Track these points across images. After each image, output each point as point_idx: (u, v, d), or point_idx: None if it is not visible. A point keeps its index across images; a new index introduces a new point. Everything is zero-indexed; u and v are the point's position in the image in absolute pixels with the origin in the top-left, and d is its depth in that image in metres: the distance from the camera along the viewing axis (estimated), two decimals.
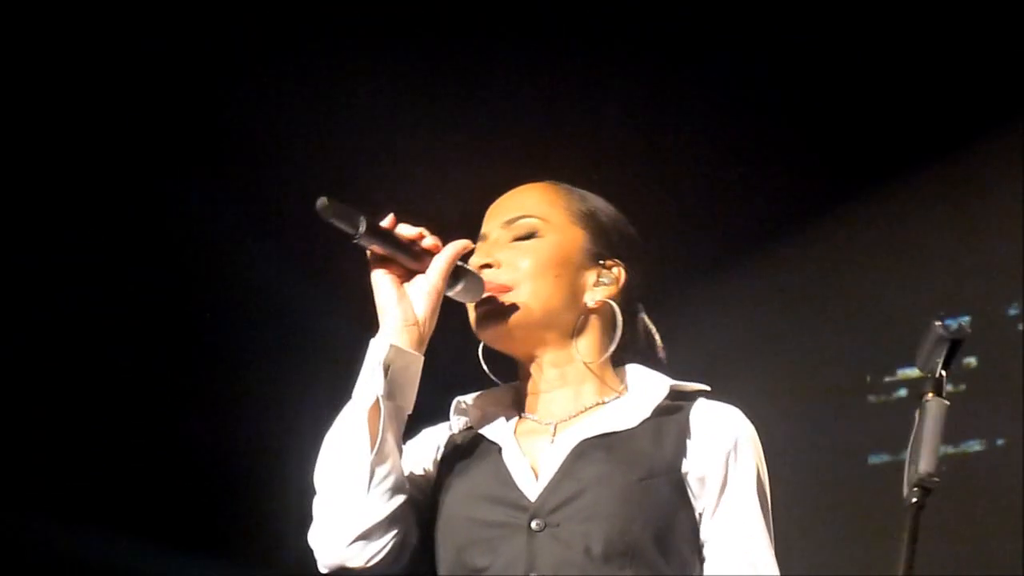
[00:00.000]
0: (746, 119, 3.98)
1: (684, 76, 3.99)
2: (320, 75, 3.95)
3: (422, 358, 2.31)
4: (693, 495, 2.28)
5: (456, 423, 2.45)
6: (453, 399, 2.46)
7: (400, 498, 2.29)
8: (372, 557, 2.27)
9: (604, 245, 2.43)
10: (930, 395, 1.99)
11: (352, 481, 2.25)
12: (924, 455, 1.98)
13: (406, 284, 2.32)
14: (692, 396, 2.36)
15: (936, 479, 1.96)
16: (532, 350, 2.40)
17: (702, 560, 2.29)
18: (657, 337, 2.49)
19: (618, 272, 2.43)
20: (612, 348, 2.40)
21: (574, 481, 2.26)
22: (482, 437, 2.39)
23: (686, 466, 2.28)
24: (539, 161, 2.70)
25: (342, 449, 2.27)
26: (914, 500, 1.93)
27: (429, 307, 2.31)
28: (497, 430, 2.38)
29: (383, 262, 2.31)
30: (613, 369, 2.43)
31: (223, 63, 3.91)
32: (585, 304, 2.41)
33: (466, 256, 2.38)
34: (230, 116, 3.98)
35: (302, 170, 3.95)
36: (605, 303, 2.41)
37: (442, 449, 2.44)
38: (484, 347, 2.45)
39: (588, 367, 2.38)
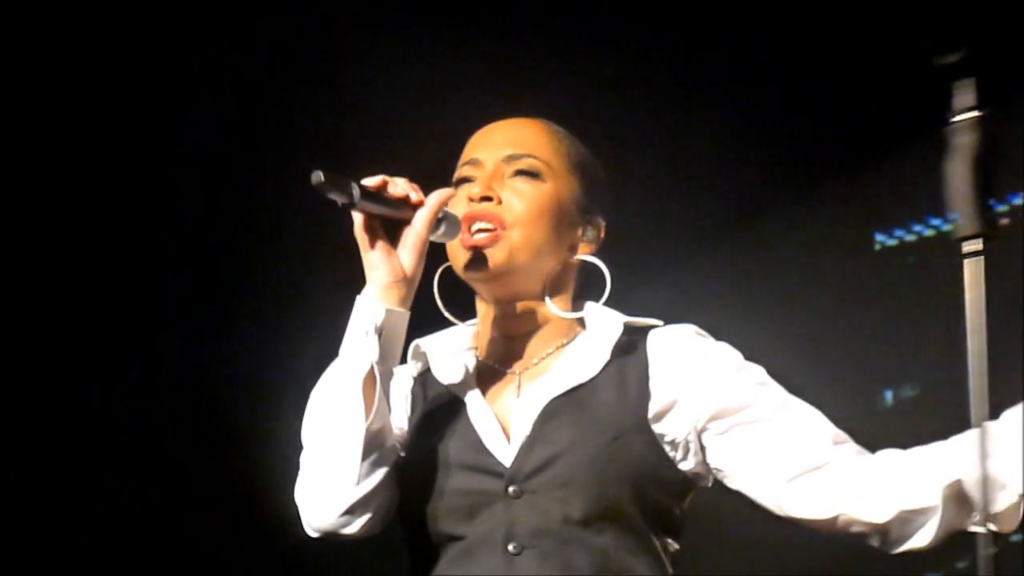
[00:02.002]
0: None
1: (690, 25, 3.87)
2: (301, 20, 3.89)
3: (408, 313, 2.27)
4: (672, 435, 2.25)
5: (414, 368, 2.39)
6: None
7: (389, 465, 2.25)
8: (365, 524, 2.24)
9: (591, 199, 2.41)
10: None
11: (346, 450, 2.21)
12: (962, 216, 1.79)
13: (392, 238, 2.27)
14: (646, 331, 2.33)
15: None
16: (509, 293, 2.35)
17: (681, 503, 2.28)
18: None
19: (600, 228, 2.41)
20: (600, 304, 2.37)
21: (547, 445, 2.23)
22: (447, 392, 2.34)
23: (652, 409, 2.25)
24: (529, 100, 2.56)
25: (335, 415, 2.22)
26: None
27: (416, 259, 2.27)
28: (460, 382, 2.34)
29: (368, 221, 2.27)
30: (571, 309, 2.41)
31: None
32: (567, 256, 2.37)
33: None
34: (211, 65, 3.95)
35: (287, 120, 3.95)
36: (584, 259, 2.39)
37: (410, 401, 2.38)
38: (439, 283, 2.38)
39: (555, 314, 2.35)
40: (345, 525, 2.23)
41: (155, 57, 3.96)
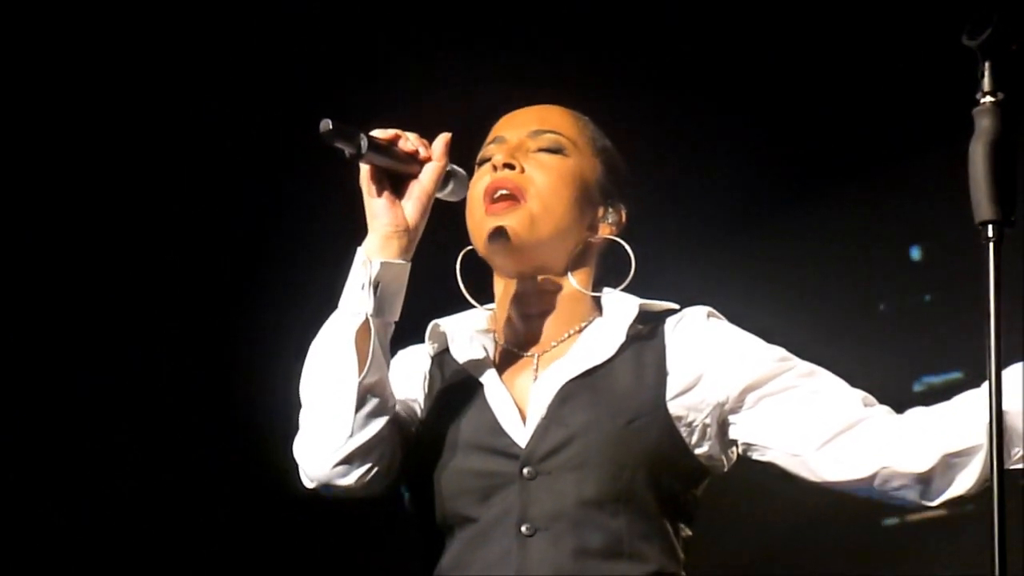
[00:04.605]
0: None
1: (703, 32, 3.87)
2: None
3: (409, 264, 2.26)
4: (691, 415, 2.25)
5: (432, 348, 2.40)
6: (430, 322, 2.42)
7: (387, 416, 2.24)
8: (361, 477, 2.23)
9: (614, 183, 2.41)
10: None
11: (340, 402, 2.21)
12: (979, 201, 1.78)
13: (397, 189, 2.27)
14: (663, 316, 2.33)
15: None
16: (529, 268, 2.34)
17: (695, 489, 2.28)
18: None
19: (622, 214, 2.41)
20: (623, 287, 2.37)
21: (562, 427, 2.23)
22: (464, 372, 2.33)
23: (672, 389, 2.26)
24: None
25: (330, 367, 2.22)
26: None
27: (420, 211, 2.26)
28: (478, 363, 2.34)
29: (375, 172, 2.27)
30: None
31: None
32: (588, 235, 2.37)
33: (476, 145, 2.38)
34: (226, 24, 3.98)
35: (294, 74, 4.00)
36: (607, 239, 2.38)
37: (427, 380, 2.38)
38: (461, 265, 2.38)
39: (575, 293, 2.35)
40: (340, 476, 2.22)
41: (164, 55, 3.99)
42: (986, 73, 1.76)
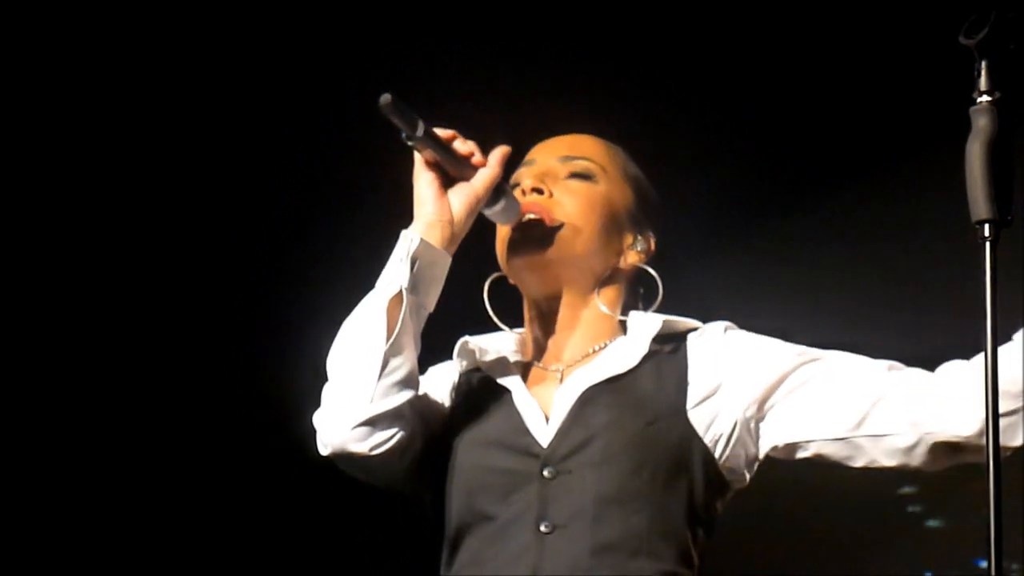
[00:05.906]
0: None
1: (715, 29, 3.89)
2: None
3: (450, 258, 2.30)
4: (712, 423, 2.26)
5: (461, 364, 2.43)
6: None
7: (410, 393, 2.26)
8: (376, 446, 2.24)
9: (644, 212, 2.44)
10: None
11: (364, 368, 2.24)
12: (976, 199, 1.79)
13: (448, 185, 2.31)
14: (686, 333, 2.36)
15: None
16: (555, 288, 2.38)
17: (715, 500, 2.29)
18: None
19: (651, 242, 2.44)
20: (651, 311, 2.39)
21: (583, 428, 2.26)
22: (491, 381, 2.37)
23: (693, 398, 2.28)
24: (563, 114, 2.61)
25: (358, 336, 2.26)
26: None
27: (466, 209, 2.30)
28: (505, 373, 2.38)
29: (429, 163, 2.31)
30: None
31: None
32: (616, 261, 2.41)
33: (508, 171, 2.39)
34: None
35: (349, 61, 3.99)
36: (636, 267, 2.42)
37: (454, 387, 2.42)
38: (490, 288, 2.42)
39: (601, 315, 2.38)
40: (356, 441, 2.23)
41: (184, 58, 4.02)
42: (983, 72, 1.77)
